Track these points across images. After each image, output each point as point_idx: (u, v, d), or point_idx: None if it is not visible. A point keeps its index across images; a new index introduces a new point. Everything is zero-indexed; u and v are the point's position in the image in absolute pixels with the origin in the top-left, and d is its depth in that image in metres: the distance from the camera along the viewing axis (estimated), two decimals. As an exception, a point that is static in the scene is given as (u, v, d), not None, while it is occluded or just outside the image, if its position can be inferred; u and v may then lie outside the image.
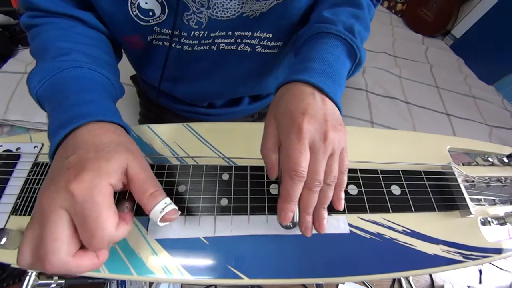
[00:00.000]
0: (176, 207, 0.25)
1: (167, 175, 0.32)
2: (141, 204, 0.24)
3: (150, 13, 0.35)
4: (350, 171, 0.35)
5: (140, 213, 0.29)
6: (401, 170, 0.36)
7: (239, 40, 0.40)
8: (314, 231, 0.26)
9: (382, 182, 0.35)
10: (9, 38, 0.99)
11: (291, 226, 0.31)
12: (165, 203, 0.24)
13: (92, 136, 0.24)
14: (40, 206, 0.21)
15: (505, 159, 0.38)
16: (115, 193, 0.24)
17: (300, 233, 0.26)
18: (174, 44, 0.39)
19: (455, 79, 1.39)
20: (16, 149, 0.35)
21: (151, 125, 0.38)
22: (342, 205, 0.27)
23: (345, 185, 0.27)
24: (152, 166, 0.33)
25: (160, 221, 0.24)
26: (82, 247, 0.22)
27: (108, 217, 0.21)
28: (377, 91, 1.17)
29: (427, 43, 1.62)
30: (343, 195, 0.27)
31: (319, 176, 0.25)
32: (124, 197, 0.28)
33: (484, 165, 0.39)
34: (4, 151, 0.34)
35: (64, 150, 0.24)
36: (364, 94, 1.14)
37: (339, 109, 0.28)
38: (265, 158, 0.28)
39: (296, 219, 0.26)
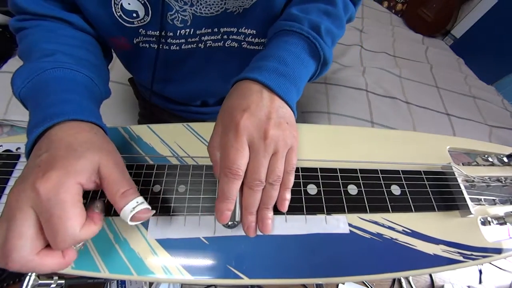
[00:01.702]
0: (149, 207, 0.25)
1: (167, 175, 0.32)
2: (113, 204, 0.24)
3: (134, 15, 0.34)
4: (350, 171, 0.35)
5: (115, 213, 0.29)
6: (401, 170, 0.36)
7: (225, 37, 0.40)
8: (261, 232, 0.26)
9: (382, 182, 0.35)
10: (9, 38, 0.99)
11: (235, 223, 0.30)
12: (137, 202, 0.24)
13: (66, 135, 0.24)
14: (8, 203, 0.21)
15: (505, 159, 0.39)
16: (87, 192, 0.23)
17: (300, 233, 0.26)
18: (161, 45, 0.39)
19: (455, 79, 1.39)
20: (16, 149, 0.35)
21: (151, 125, 0.38)
22: (285, 206, 0.26)
23: (290, 186, 0.26)
24: (151, 166, 0.33)
25: (130, 220, 0.23)
26: (49, 246, 0.22)
27: (72, 216, 0.21)
28: (377, 91, 1.16)
29: (427, 43, 1.62)
30: (288, 196, 0.26)
31: (259, 175, 0.24)
32: (96, 197, 0.28)
33: (484, 165, 0.39)
34: (4, 151, 0.34)
35: (38, 149, 0.24)
36: (364, 94, 1.13)
37: (291, 108, 0.28)
38: (210, 156, 0.27)
39: (237, 218, 0.26)
